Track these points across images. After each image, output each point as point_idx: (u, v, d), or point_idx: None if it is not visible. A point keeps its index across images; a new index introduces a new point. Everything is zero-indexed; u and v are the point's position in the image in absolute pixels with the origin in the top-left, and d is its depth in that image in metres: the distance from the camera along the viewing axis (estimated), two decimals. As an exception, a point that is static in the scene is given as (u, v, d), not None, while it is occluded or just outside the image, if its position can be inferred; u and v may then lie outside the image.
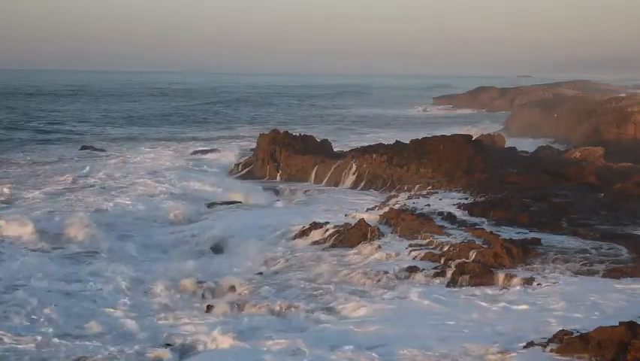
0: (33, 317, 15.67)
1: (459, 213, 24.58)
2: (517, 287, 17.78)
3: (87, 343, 14.34)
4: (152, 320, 16.01)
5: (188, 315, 16.29)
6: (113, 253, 21.49)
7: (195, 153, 46.40)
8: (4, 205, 28.13)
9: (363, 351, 13.69)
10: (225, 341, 14.15)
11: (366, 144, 39.58)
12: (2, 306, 16.06)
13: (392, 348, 13.90)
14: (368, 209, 25.67)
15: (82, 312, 16.25)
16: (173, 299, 17.47)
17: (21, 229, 22.68)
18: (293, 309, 16.45)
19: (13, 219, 23.70)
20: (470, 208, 25.23)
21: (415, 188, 30.22)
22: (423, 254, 20.13)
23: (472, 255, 19.50)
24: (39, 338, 14.46)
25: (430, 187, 29.86)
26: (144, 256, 21.67)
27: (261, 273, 19.75)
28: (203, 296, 17.80)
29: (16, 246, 21.54)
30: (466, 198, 27.16)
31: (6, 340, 14.35)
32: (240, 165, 38.73)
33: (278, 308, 16.52)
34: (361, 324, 15.31)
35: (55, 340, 14.40)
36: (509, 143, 44.14)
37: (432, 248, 20.49)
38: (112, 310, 16.53)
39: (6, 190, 30.58)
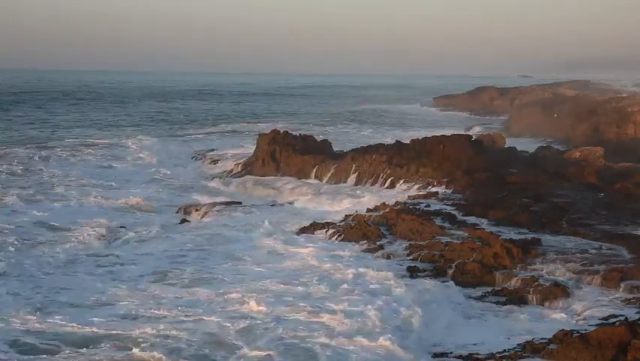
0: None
1: (459, 214, 24.60)
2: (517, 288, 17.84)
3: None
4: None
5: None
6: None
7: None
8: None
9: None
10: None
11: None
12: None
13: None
14: (368, 209, 25.66)
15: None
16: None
17: None
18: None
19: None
20: (470, 208, 25.26)
21: (415, 188, 30.24)
22: (423, 254, 20.14)
23: (472, 255, 19.50)
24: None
25: (430, 187, 29.87)
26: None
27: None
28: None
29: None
30: (467, 199, 27.18)
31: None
32: (240, 165, 38.70)
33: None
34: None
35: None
36: (509, 143, 44.13)
37: (432, 248, 20.48)
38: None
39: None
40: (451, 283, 18.28)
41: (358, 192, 30.87)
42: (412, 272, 19.01)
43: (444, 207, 25.86)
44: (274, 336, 14.14)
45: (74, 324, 14.66)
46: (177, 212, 28.32)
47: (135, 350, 13.26)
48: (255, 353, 13.34)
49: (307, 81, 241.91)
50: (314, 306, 15.89)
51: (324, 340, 13.91)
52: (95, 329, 14.34)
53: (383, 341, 13.82)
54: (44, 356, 13.21)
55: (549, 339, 13.95)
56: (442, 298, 17.09)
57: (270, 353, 13.31)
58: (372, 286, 17.37)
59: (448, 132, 38.43)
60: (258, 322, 14.92)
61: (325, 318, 15.07)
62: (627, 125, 44.83)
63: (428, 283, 17.89)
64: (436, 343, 14.66)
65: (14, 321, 14.79)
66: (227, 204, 28.92)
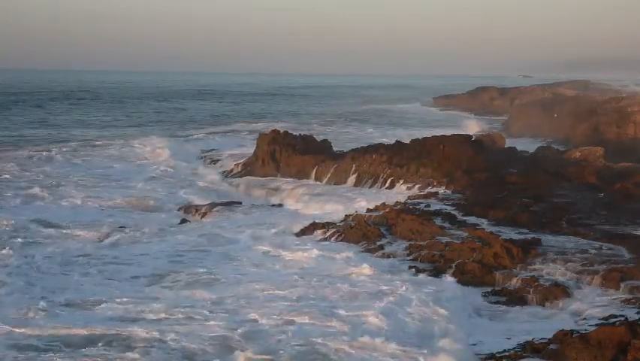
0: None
1: (459, 214, 24.58)
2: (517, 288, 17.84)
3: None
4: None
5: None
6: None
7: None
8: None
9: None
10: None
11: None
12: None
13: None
14: (368, 209, 25.64)
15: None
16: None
17: None
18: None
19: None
20: (470, 208, 25.24)
21: (415, 188, 30.24)
22: (423, 254, 20.12)
23: (472, 255, 19.49)
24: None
25: (430, 187, 29.86)
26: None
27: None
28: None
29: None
30: (467, 199, 27.17)
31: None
32: (240, 165, 38.68)
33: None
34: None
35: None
36: (509, 143, 44.12)
37: (432, 248, 20.46)
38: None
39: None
40: (454, 283, 18.21)
41: (356, 193, 30.81)
42: (415, 272, 18.95)
43: (444, 207, 25.84)
44: (283, 341, 13.92)
45: (72, 325, 14.61)
46: (178, 211, 28.33)
47: (134, 353, 13.21)
48: (264, 357, 13.12)
49: (307, 81, 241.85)
50: (319, 308, 15.75)
51: (338, 345, 13.62)
52: (92, 330, 14.27)
53: (402, 345, 13.65)
54: (42, 356, 13.15)
55: (549, 339, 13.94)
56: (450, 299, 16.94)
57: (282, 359, 13.11)
58: (375, 288, 17.28)
59: (448, 132, 38.39)
60: (263, 326, 14.74)
61: (333, 321, 14.89)
62: (627, 125, 44.81)
63: (432, 284, 17.80)
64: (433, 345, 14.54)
65: (12, 321, 14.75)
66: (227, 204, 28.90)
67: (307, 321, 14.96)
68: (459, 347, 13.92)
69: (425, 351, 13.41)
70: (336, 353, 13.35)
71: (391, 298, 16.33)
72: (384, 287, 17.25)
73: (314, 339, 13.88)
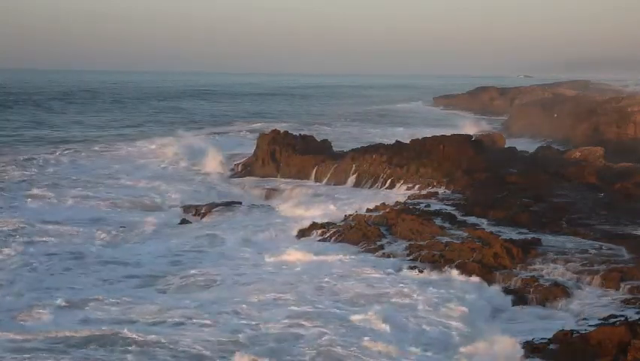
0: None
1: (459, 214, 24.58)
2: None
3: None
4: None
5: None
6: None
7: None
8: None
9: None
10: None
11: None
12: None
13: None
14: (368, 209, 25.63)
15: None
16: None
17: None
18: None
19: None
20: (470, 208, 25.24)
21: (415, 188, 30.23)
22: (423, 254, 20.11)
23: (472, 255, 19.48)
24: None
25: (430, 187, 29.85)
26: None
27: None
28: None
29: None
30: (467, 199, 27.16)
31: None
32: (240, 165, 38.67)
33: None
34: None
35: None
36: (509, 143, 44.12)
37: (432, 248, 20.45)
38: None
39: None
40: (458, 283, 18.17)
41: (356, 193, 30.78)
42: (417, 272, 18.94)
43: (444, 207, 25.84)
44: (289, 344, 13.82)
45: (71, 325, 14.59)
46: (178, 210, 28.33)
47: (135, 354, 13.18)
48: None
49: (307, 81, 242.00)
50: (322, 310, 15.67)
51: (352, 350, 13.45)
52: (92, 331, 14.25)
53: (423, 349, 13.64)
54: (41, 356, 13.12)
55: (549, 339, 13.94)
56: (460, 299, 16.83)
57: None
58: (380, 289, 17.25)
59: (446, 132, 38.39)
60: (266, 329, 14.61)
61: (339, 324, 14.77)
62: (627, 125, 44.84)
63: (436, 284, 17.75)
64: (437, 345, 14.49)
65: (10, 321, 14.75)
66: (227, 204, 28.88)
67: (311, 324, 14.80)
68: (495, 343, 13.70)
69: (454, 355, 13.28)
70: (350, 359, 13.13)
71: (398, 300, 16.31)
72: (389, 288, 17.23)
73: (322, 343, 13.75)
